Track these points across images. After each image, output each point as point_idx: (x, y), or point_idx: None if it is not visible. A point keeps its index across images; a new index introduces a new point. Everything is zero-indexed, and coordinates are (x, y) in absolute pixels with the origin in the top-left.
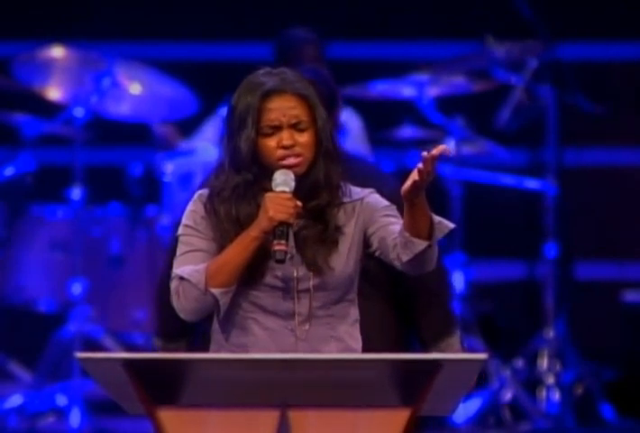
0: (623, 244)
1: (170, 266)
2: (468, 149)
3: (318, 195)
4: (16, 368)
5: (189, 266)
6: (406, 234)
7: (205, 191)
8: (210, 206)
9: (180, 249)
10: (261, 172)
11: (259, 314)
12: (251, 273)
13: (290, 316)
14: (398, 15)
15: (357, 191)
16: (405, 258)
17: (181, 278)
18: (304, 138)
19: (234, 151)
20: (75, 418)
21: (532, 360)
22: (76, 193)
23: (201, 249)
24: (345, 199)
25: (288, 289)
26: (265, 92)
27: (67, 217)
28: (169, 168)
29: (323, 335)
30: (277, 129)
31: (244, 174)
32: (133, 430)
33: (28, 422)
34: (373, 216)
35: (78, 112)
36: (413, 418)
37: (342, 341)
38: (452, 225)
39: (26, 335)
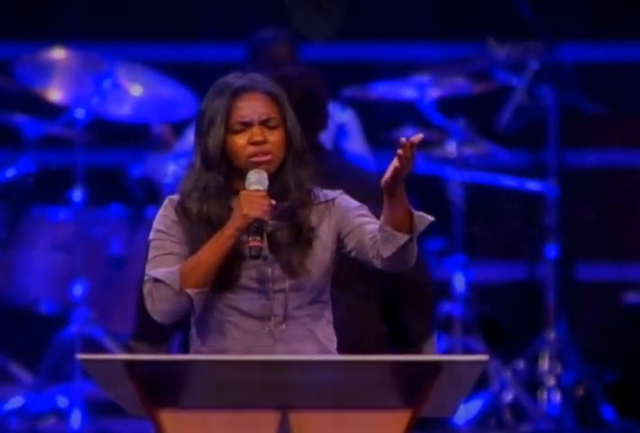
0: (624, 246)
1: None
2: (469, 150)
3: (289, 196)
4: (17, 369)
5: (163, 268)
6: (388, 229)
7: (175, 196)
8: (181, 209)
9: (152, 253)
10: (232, 173)
11: (236, 317)
12: (226, 276)
13: (267, 317)
14: (399, 17)
15: (327, 193)
16: (386, 253)
17: (155, 280)
18: (274, 137)
19: (204, 150)
20: (76, 419)
21: (533, 361)
22: (77, 194)
23: (173, 252)
24: (317, 201)
25: (263, 290)
26: (235, 91)
27: (68, 219)
28: (170, 169)
29: (299, 335)
30: (247, 126)
31: (214, 174)
32: (134, 432)
33: (29, 424)
34: (347, 217)
35: (79, 113)
36: (414, 419)
37: (318, 341)
38: (431, 218)
39: (27, 336)
